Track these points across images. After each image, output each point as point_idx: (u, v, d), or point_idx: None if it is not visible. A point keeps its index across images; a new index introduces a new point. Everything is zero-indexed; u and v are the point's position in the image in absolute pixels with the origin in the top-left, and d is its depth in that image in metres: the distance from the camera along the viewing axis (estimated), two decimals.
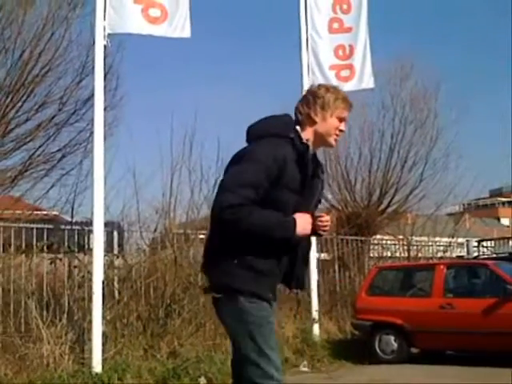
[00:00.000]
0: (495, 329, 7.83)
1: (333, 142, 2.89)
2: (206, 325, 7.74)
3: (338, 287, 11.08)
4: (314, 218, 2.79)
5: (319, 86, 2.91)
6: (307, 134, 2.82)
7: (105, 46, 7.31)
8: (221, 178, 2.90)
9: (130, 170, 8.82)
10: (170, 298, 7.68)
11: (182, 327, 7.52)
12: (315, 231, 2.82)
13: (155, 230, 8.90)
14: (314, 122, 2.82)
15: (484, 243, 15.22)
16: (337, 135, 2.87)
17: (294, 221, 2.65)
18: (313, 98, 2.83)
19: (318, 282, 9.49)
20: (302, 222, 2.67)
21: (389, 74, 15.19)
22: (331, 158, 14.88)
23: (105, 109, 9.01)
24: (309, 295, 9.24)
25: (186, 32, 7.44)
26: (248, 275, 2.64)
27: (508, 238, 19.25)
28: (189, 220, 9.50)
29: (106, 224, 7.87)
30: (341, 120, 2.85)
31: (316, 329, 8.90)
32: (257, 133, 2.81)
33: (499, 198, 61.05)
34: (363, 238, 12.42)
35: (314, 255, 9.37)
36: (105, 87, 8.89)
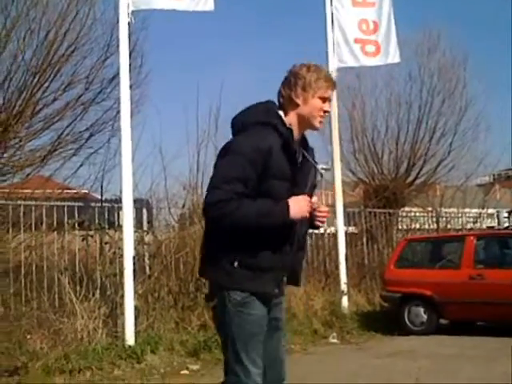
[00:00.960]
0: None
1: (317, 125, 2.72)
2: None
3: (367, 260, 11.09)
4: (312, 208, 2.66)
5: (301, 65, 2.72)
6: (291, 118, 2.68)
7: (129, 24, 7.35)
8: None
9: (157, 147, 8.87)
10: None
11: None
12: (311, 222, 2.70)
13: (183, 206, 8.98)
14: (296, 105, 2.67)
15: None
16: (321, 116, 2.70)
17: (287, 204, 2.54)
18: (294, 79, 2.68)
19: (346, 255, 9.50)
20: (297, 204, 2.55)
21: (416, 44, 14.92)
22: (358, 129, 14.76)
23: (130, 87, 9.07)
24: (337, 268, 9.28)
25: (208, 5, 7.41)
26: (249, 274, 2.54)
27: None
28: None
29: (135, 201, 7.98)
30: (324, 100, 2.68)
31: (345, 301, 8.95)
32: (240, 124, 2.71)
33: None
34: (391, 211, 12.34)
35: (341, 228, 9.40)
36: (130, 65, 8.94)
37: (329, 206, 11.61)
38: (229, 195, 2.48)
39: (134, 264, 6.74)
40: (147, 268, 7.66)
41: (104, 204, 8.17)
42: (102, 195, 8.67)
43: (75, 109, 10.56)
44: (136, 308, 6.63)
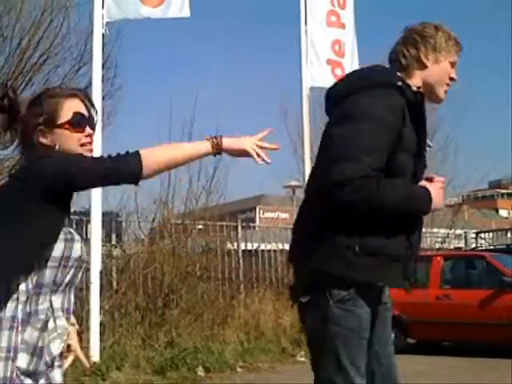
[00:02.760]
0: (491, 320, 7.88)
1: (442, 94, 2.34)
2: (204, 315, 7.78)
3: None
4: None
5: (423, 24, 2.33)
6: (415, 82, 2.27)
7: (103, 35, 7.30)
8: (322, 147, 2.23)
9: None
10: (168, 288, 7.70)
11: (179, 317, 7.55)
12: None
13: (153, 220, 8.91)
14: (424, 66, 2.27)
15: (482, 235, 15.25)
16: (447, 85, 2.33)
17: (429, 192, 2.16)
18: (421, 38, 2.28)
19: None
20: (438, 193, 2.18)
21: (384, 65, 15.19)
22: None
23: (103, 98, 9.00)
24: None
25: (184, 11, 7.37)
26: (374, 262, 2.10)
27: (506, 230, 19.31)
28: (187, 210, 9.51)
29: (105, 214, 7.88)
30: (452, 65, 2.32)
31: None
32: (349, 86, 2.22)
33: (498, 190, 61.19)
34: None
35: None
36: (103, 76, 8.86)
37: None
38: (367, 170, 2.01)
39: (100, 278, 6.64)
40: (114, 283, 7.54)
41: (72, 216, 8.04)
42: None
43: None
44: (102, 324, 6.52)
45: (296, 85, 9.71)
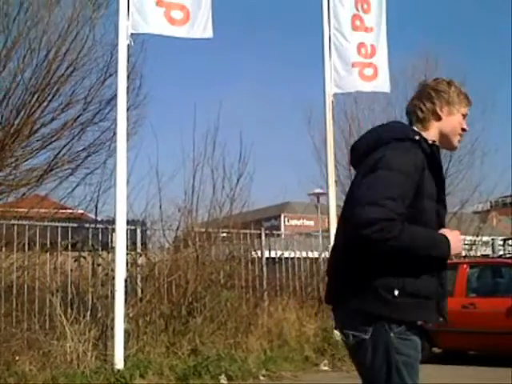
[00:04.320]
0: None
1: (456, 143, 2.58)
2: (227, 323, 7.81)
3: None
4: None
5: (436, 80, 2.59)
6: (431, 134, 2.51)
7: (128, 46, 7.42)
8: (351, 192, 2.45)
9: (153, 168, 8.88)
10: (192, 296, 7.75)
11: (203, 325, 7.59)
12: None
13: (177, 229, 8.98)
14: (439, 118, 2.52)
15: (510, 241, 15.01)
16: (460, 135, 2.57)
17: (447, 238, 2.35)
18: (436, 93, 2.52)
19: None
20: (454, 239, 2.37)
21: (413, 70, 15.10)
22: None
23: (128, 108, 9.13)
24: None
25: (207, 32, 7.50)
26: (412, 302, 2.30)
27: None
28: (211, 218, 9.57)
29: (130, 222, 7.99)
30: (463, 117, 2.57)
31: None
32: (374, 142, 2.46)
33: None
34: None
35: None
36: (128, 87, 9.01)
37: (324, 231, 11.64)
38: (391, 214, 2.20)
39: (125, 286, 6.74)
40: (139, 290, 7.63)
41: (98, 225, 8.16)
42: (96, 216, 8.69)
43: (73, 129, 10.65)
44: (126, 331, 6.60)
45: (320, 92, 9.75)
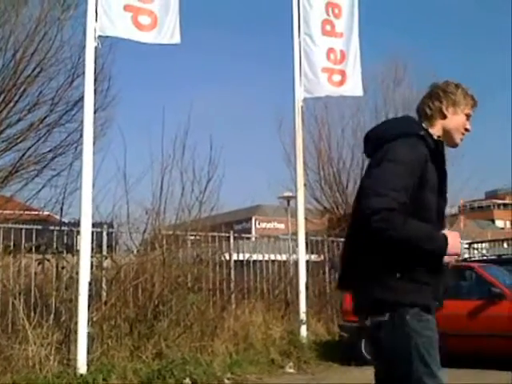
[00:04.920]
0: (480, 331, 7.91)
1: (458, 141, 2.80)
2: (194, 326, 7.79)
3: (328, 289, 11.13)
4: None
5: (446, 82, 2.83)
6: (436, 130, 2.74)
7: (96, 48, 7.37)
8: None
9: (120, 171, 8.81)
10: (158, 300, 7.71)
11: (169, 328, 7.56)
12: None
13: (145, 231, 8.93)
14: (444, 116, 2.75)
15: (475, 245, 15.29)
16: (462, 134, 2.80)
17: (446, 238, 2.50)
18: (444, 94, 2.77)
19: (308, 283, 9.55)
20: (453, 240, 2.50)
21: (382, 76, 15.29)
22: (324, 159, 14.96)
23: (96, 110, 9.06)
24: (298, 296, 9.30)
25: (175, 38, 7.52)
26: (415, 288, 2.49)
27: (501, 240, 19.34)
28: (179, 221, 9.53)
29: (96, 225, 7.92)
30: (467, 117, 2.80)
31: (303, 330, 8.95)
32: (383, 136, 2.69)
33: (494, 200, 61.23)
34: None
35: (302, 257, 9.45)
36: (96, 88, 8.94)
37: (293, 234, 11.70)
38: (393, 204, 2.41)
39: (89, 290, 6.68)
40: (104, 294, 7.57)
41: (63, 227, 8.08)
42: (61, 218, 8.60)
43: (39, 130, 10.56)
44: (90, 335, 6.55)
45: (290, 96, 9.80)
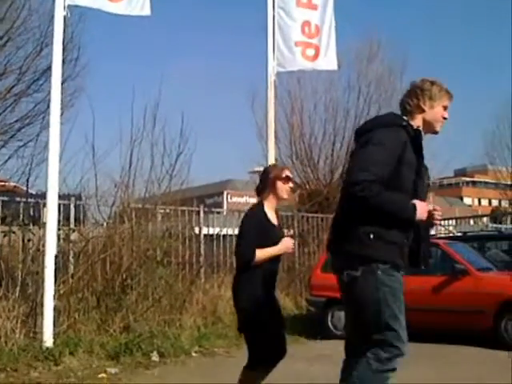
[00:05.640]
0: (444, 306, 8.08)
1: (439, 129, 3.30)
2: (162, 300, 7.79)
3: (297, 264, 11.23)
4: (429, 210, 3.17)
5: (423, 80, 3.31)
6: (417, 122, 3.24)
7: (65, 17, 7.21)
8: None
9: (88, 142, 8.65)
10: (126, 273, 7.68)
11: (137, 302, 7.56)
12: (429, 219, 3.19)
13: (113, 204, 8.84)
14: (422, 111, 3.24)
15: (442, 222, 15.52)
16: (442, 122, 3.29)
17: (415, 205, 3.03)
18: (420, 91, 3.26)
19: None
20: (420, 208, 3.05)
21: (355, 52, 15.25)
22: (296, 134, 14.94)
23: (65, 80, 8.88)
24: None
25: (145, 10, 7.38)
26: (386, 247, 3.04)
27: (468, 217, 19.71)
28: (149, 195, 9.45)
29: (63, 197, 7.82)
30: (444, 108, 3.28)
31: None
32: (371, 126, 3.21)
33: (463, 178, 62.20)
34: (324, 216, 12.55)
35: None
36: (65, 58, 8.74)
37: None
38: (372, 177, 2.92)
39: (56, 263, 6.61)
40: (71, 267, 7.50)
41: (30, 199, 7.96)
42: (27, 190, 8.46)
43: (6, 100, 10.32)
44: (56, 308, 6.50)
45: (263, 70, 9.71)
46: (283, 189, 3.97)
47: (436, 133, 3.33)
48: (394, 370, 3.11)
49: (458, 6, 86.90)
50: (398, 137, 3.08)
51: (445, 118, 3.29)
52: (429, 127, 3.27)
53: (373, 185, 2.91)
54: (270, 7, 9.65)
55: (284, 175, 3.99)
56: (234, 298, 4.02)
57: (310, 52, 9.90)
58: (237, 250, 3.91)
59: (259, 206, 3.97)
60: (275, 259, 3.95)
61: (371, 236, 3.01)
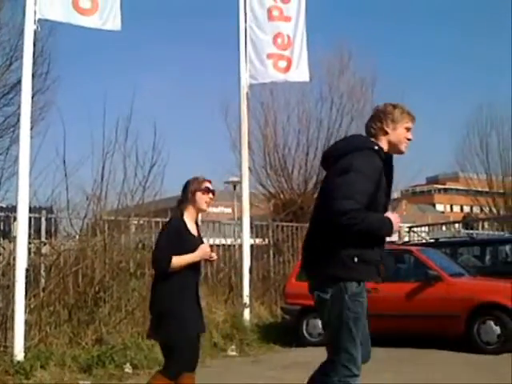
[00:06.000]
0: (417, 312, 8.16)
1: (404, 149, 3.43)
2: (135, 312, 7.73)
3: (272, 273, 11.26)
4: None
5: (385, 104, 3.46)
6: (383, 145, 3.37)
7: (35, 31, 7.20)
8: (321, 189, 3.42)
9: (59, 155, 8.58)
10: (99, 286, 7.62)
11: (110, 315, 7.49)
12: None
13: (85, 217, 8.77)
14: (386, 133, 3.37)
15: (415, 229, 15.72)
16: (406, 143, 3.42)
17: (390, 220, 3.21)
18: (383, 115, 3.40)
19: (252, 267, 9.63)
20: (396, 220, 3.25)
21: (328, 64, 15.41)
22: (270, 145, 15.02)
23: (35, 93, 8.82)
24: (241, 280, 9.36)
25: (116, 24, 7.41)
26: (367, 267, 3.23)
27: (440, 224, 19.96)
28: (121, 207, 9.39)
29: (34, 210, 7.74)
30: (407, 130, 3.42)
31: (246, 313, 9.03)
32: (343, 150, 3.32)
33: (435, 185, 63.06)
34: (298, 225, 12.60)
35: (247, 241, 9.50)
36: (35, 71, 8.69)
37: (238, 219, 11.74)
38: (358, 205, 3.06)
39: (27, 276, 6.54)
40: (42, 280, 7.42)
41: (0, 213, 7.87)
42: None
43: None
44: (27, 322, 6.42)
45: (236, 82, 9.78)
46: (202, 200, 4.04)
47: (401, 153, 3.44)
48: None
49: (426, 16, 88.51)
50: (374, 163, 3.22)
51: (409, 139, 3.42)
52: (394, 148, 3.39)
53: (358, 213, 3.04)
54: (241, 21, 9.75)
55: (203, 187, 4.07)
56: (150, 304, 4.05)
57: (282, 64, 10.01)
58: (153, 260, 3.96)
59: (177, 218, 4.05)
60: (194, 267, 3.99)
61: (355, 259, 3.16)
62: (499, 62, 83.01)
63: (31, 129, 7.12)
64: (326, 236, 3.19)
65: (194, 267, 4.00)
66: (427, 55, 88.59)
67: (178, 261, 3.84)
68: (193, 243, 3.98)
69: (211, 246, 4.29)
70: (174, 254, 3.84)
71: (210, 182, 4.18)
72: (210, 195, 4.10)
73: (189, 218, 4.05)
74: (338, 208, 3.04)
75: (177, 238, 3.91)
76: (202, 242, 4.14)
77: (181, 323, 3.84)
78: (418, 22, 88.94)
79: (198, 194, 4.05)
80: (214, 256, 4.20)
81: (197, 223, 4.18)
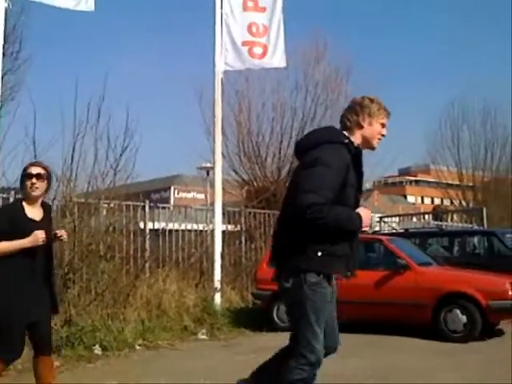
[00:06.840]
0: (387, 300, 8.28)
1: (376, 145, 3.43)
2: (105, 294, 7.68)
3: (244, 258, 11.28)
4: None
5: (363, 97, 3.43)
6: (356, 138, 3.36)
7: (6, 9, 7.08)
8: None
9: (28, 135, 8.40)
10: (68, 267, 7.54)
11: (79, 296, 7.43)
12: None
13: (54, 199, 8.62)
14: (361, 127, 3.35)
15: (385, 219, 15.90)
16: (379, 139, 3.42)
17: (360, 215, 3.21)
18: (360, 108, 3.37)
19: (223, 253, 9.63)
20: (366, 216, 3.25)
21: (303, 53, 15.43)
22: (244, 132, 15.00)
23: (6, 73, 8.63)
24: (212, 265, 9.38)
25: (89, 5, 7.30)
26: (334, 261, 3.23)
27: (410, 215, 20.24)
28: (92, 189, 9.27)
29: (2, 190, 7.61)
30: (382, 126, 3.41)
31: (217, 298, 9.06)
32: (314, 142, 3.31)
33: (407, 177, 63.88)
34: (270, 212, 12.63)
35: (218, 226, 9.51)
36: (6, 50, 8.51)
37: (210, 205, 11.72)
38: (322, 200, 3.05)
39: None
40: None
41: None
42: None
43: None
44: None
45: (210, 68, 9.75)
46: (27, 186, 3.94)
47: (373, 149, 3.45)
48: (302, 379, 3.26)
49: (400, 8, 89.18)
50: (342, 158, 3.19)
51: (383, 135, 3.42)
52: (367, 143, 3.39)
53: (323, 207, 3.03)
54: (217, 10, 9.72)
55: (26, 172, 3.99)
56: None
57: (258, 50, 10.00)
58: None
59: (16, 202, 4.09)
60: (29, 253, 3.88)
61: (319, 253, 3.17)
62: (477, 53, 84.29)
63: (0, 108, 6.97)
64: (292, 227, 3.19)
65: (29, 252, 3.88)
66: (404, 47, 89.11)
67: (4, 246, 3.79)
68: (29, 227, 3.88)
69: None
70: (4, 239, 3.79)
71: (37, 165, 4.07)
72: (33, 180, 3.95)
73: (28, 203, 3.99)
74: (302, 202, 3.04)
75: (11, 222, 3.86)
76: (49, 227, 4.06)
77: (7, 310, 3.80)
78: (399, 13, 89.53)
79: (24, 180, 3.98)
80: (61, 236, 4.18)
81: (45, 207, 4.13)
